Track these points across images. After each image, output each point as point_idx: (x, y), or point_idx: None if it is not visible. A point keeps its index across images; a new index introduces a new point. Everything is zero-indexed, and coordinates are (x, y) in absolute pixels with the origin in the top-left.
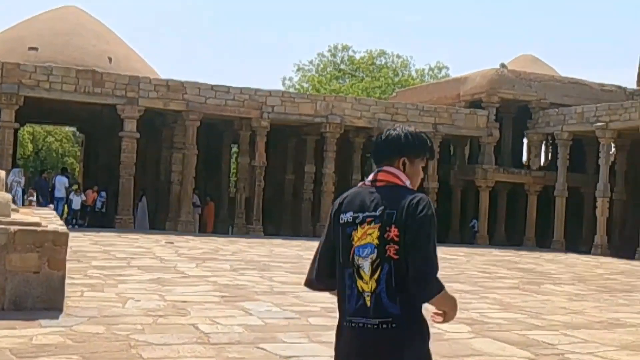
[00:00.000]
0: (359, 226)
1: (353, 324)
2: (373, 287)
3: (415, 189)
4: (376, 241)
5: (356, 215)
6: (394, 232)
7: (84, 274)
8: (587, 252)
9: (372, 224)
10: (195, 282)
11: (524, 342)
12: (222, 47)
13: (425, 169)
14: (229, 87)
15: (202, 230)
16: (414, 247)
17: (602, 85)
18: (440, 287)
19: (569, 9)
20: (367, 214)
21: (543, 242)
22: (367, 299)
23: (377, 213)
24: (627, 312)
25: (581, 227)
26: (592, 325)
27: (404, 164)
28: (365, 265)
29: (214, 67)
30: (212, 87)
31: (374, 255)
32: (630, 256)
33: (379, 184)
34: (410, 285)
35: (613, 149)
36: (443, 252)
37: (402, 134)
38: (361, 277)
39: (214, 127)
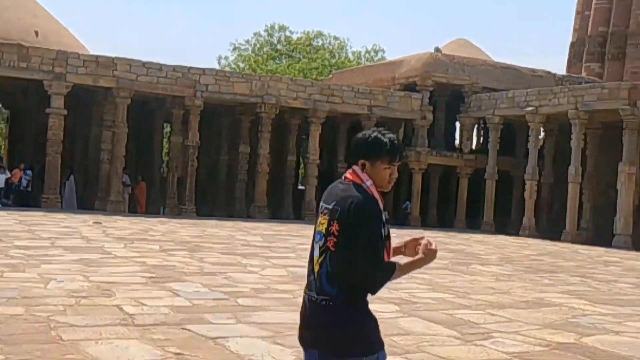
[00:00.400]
0: (320, 215)
1: (304, 294)
2: (317, 269)
3: (385, 188)
4: (324, 231)
5: (322, 205)
6: (334, 226)
7: (5, 254)
8: (516, 233)
9: (326, 216)
10: (122, 263)
11: (450, 321)
12: (156, 24)
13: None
14: (161, 65)
15: (133, 210)
16: (350, 246)
17: (533, 70)
18: (391, 272)
19: None
20: (325, 206)
21: (473, 224)
22: (315, 277)
23: (330, 206)
24: (552, 292)
25: (510, 209)
26: (518, 304)
27: (363, 165)
28: (317, 249)
29: (148, 45)
30: (144, 64)
31: (322, 243)
32: (557, 238)
33: (345, 180)
34: (358, 281)
35: (542, 134)
36: None
37: (364, 137)
38: (313, 258)
39: (146, 105)
